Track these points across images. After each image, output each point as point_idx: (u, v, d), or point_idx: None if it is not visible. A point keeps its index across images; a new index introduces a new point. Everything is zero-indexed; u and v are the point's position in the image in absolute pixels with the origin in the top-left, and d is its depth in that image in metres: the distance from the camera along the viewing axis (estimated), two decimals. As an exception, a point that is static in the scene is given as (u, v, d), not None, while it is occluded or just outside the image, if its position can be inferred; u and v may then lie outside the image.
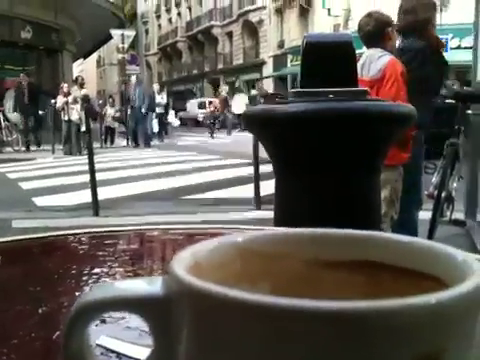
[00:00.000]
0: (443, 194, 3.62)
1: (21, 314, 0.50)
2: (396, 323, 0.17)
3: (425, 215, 3.77)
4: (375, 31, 2.79)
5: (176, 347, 0.20)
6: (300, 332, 0.17)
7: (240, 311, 0.17)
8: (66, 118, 11.97)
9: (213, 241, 0.24)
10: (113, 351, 0.39)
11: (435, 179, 3.89)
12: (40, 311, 0.49)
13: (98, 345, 0.40)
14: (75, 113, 11.53)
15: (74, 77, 15.66)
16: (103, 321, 0.45)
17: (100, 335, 0.42)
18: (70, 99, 11.72)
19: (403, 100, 2.78)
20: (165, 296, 0.20)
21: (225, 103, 20.08)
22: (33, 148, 12.42)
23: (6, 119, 12.46)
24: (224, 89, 20.75)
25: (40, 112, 12.86)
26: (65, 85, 12.39)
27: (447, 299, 0.18)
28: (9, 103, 12.79)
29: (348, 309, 0.17)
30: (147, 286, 0.21)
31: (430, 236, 3.42)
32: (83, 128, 10.00)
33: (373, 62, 2.74)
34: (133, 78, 14.29)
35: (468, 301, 0.18)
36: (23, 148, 12.38)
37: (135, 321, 0.41)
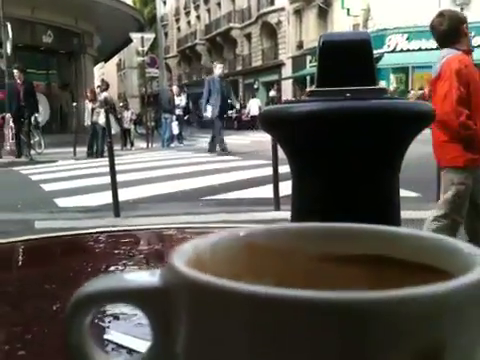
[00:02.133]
0: None
1: (36, 310, 0.51)
2: (395, 313, 0.17)
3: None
4: (449, 30, 2.75)
5: (175, 338, 0.20)
6: (298, 323, 0.17)
7: (236, 302, 0.17)
8: (89, 122, 12.15)
9: (216, 235, 0.23)
10: (124, 347, 0.39)
11: None
12: (54, 308, 0.50)
13: (109, 341, 0.40)
14: (102, 116, 11.72)
15: (99, 81, 15.90)
16: (116, 317, 0.46)
17: (112, 331, 0.42)
18: (97, 103, 11.91)
19: (451, 97, 2.67)
20: (163, 288, 0.20)
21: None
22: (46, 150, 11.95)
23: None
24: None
25: (36, 115, 11.58)
26: (89, 90, 12.60)
27: (449, 289, 0.17)
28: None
29: (346, 299, 0.17)
30: (145, 278, 0.21)
31: None
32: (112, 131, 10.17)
33: (438, 63, 2.77)
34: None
35: (471, 292, 0.18)
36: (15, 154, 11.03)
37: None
